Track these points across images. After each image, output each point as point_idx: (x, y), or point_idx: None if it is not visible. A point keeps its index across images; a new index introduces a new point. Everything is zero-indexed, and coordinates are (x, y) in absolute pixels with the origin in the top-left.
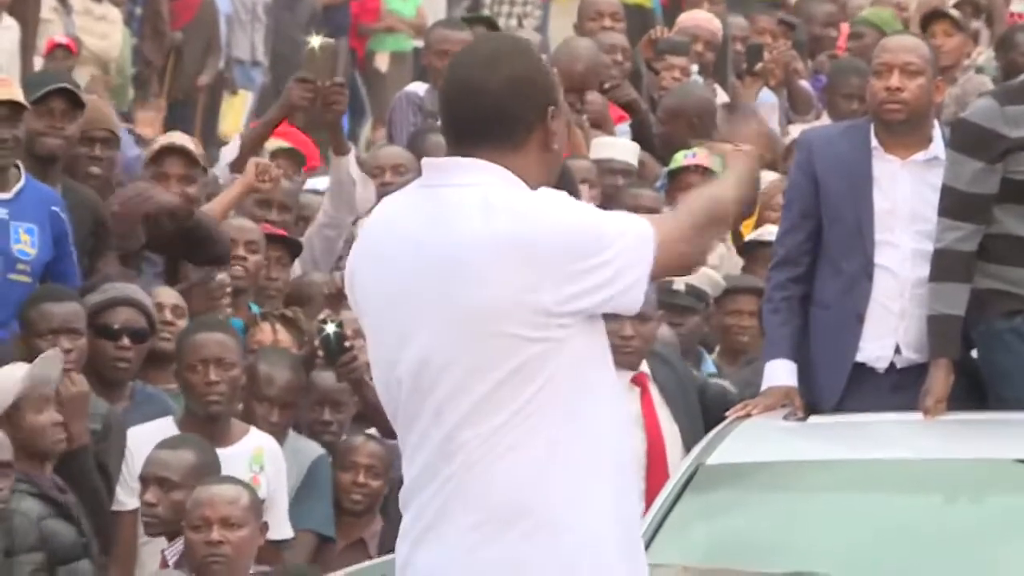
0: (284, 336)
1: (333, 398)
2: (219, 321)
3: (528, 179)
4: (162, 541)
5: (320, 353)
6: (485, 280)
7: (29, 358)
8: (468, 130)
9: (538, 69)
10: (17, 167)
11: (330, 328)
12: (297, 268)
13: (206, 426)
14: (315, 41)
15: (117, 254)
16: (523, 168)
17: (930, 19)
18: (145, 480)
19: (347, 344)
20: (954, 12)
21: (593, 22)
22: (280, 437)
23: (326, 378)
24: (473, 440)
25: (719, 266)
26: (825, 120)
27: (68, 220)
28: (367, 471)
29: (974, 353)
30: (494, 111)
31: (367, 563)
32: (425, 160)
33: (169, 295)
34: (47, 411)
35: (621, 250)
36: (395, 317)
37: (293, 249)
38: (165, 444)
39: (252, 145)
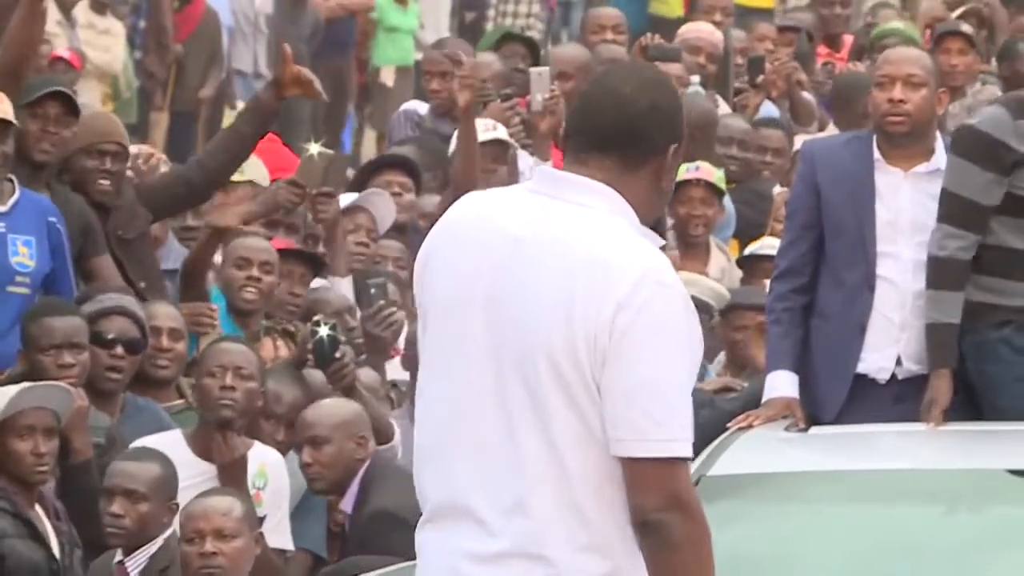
0: (285, 352)
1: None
2: (242, 339)
3: (637, 205)
4: None
5: (311, 356)
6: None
7: (31, 373)
8: (600, 136)
9: (678, 107)
10: (11, 181)
11: (323, 331)
12: None
13: (213, 441)
14: (314, 148)
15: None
16: (634, 192)
17: (944, 37)
18: (111, 491)
19: (339, 349)
20: (966, 28)
21: (595, 35)
22: (285, 456)
23: (318, 376)
24: (568, 443)
25: (721, 279)
26: (829, 131)
27: (64, 230)
28: None
29: None
30: (629, 125)
31: (397, 566)
32: (544, 169)
33: (167, 318)
34: (31, 439)
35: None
36: (495, 307)
37: (315, 265)
38: (129, 456)
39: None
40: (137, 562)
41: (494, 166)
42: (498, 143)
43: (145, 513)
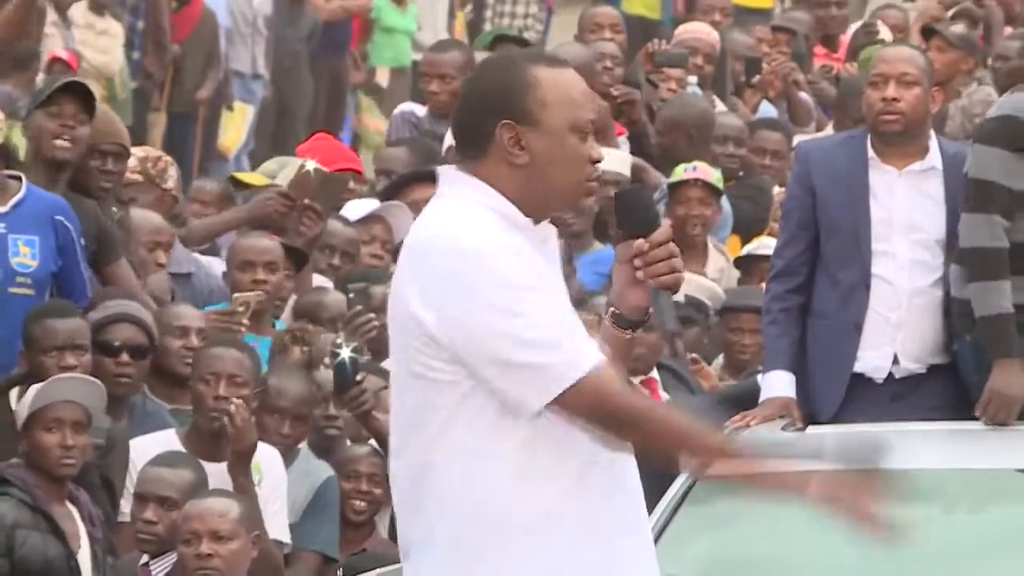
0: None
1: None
2: (238, 340)
3: (507, 192)
4: None
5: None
6: (396, 292)
7: (32, 375)
8: (454, 136)
9: (496, 84)
10: (19, 179)
11: (346, 353)
12: None
13: (208, 440)
14: (310, 164)
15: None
16: (494, 180)
17: (930, 35)
18: (143, 498)
19: (360, 373)
20: (956, 28)
21: (592, 34)
22: (291, 452)
23: (329, 376)
24: (410, 453)
25: (719, 279)
26: (827, 132)
27: (74, 228)
28: (369, 479)
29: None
30: (456, 123)
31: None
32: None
33: (193, 317)
34: (58, 432)
35: (540, 324)
36: None
37: (298, 259)
38: (162, 462)
39: (208, 237)
40: (162, 566)
41: None
42: None
43: (177, 520)
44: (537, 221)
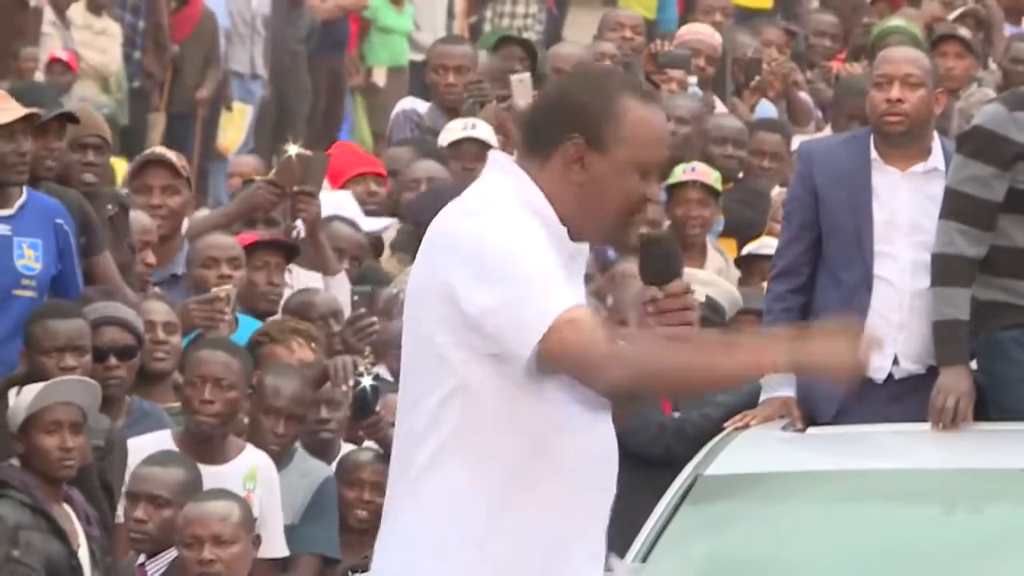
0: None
1: (329, 397)
2: (227, 341)
3: (552, 197)
4: None
5: (350, 406)
6: (418, 270)
7: (33, 375)
8: (522, 130)
9: (583, 100)
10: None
11: (367, 381)
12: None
13: (202, 442)
14: (292, 150)
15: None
16: (545, 182)
17: (941, 40)
18: (135, 496)
19: (380, 402)
20: (965, 32)
21: (614, 32)
22: (287, 452)
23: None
24: (404, 433)
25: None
26: (826, 132)
27: (72, 230)
28: (372, 487)
29: (974, 364)
30: (531, 119)
31: None
32: None
33: (160, 312)
34: (57, 435)
35: (511, 301)
36: None
37: (289, 253)
38: (154, 461)
39: (205, 232)
40: (158, 566)
41: (472, 165)
42: (476, 142)
43: (168, 518)
44: (574, 238)
